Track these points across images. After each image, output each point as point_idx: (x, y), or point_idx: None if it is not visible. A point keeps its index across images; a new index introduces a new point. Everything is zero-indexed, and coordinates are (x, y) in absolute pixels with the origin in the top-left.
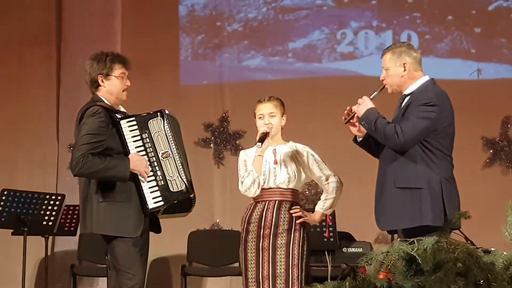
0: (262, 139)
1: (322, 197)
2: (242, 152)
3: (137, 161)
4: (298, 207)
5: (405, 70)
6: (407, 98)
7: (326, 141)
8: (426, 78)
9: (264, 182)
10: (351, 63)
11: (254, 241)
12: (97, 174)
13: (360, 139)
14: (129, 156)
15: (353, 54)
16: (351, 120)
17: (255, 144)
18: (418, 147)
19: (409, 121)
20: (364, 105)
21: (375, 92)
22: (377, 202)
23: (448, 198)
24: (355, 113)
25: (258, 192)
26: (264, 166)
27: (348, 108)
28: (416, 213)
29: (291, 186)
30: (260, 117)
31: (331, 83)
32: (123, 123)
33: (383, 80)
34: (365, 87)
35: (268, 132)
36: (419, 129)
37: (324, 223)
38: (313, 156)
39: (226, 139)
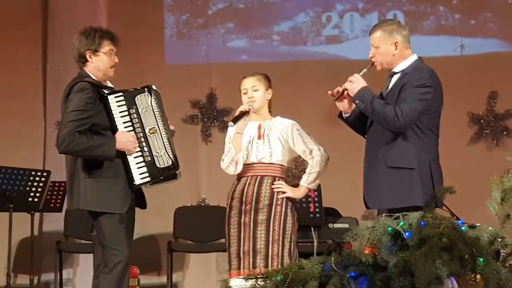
0: (237, 118)
1: (306, 170)
2: (229, 129)
3: (124, 139)
4: (281, 182)
5: (396, 48)
6: (397, 76)
7: (311, 123)
8: (415, 56)
9: (246, 158)
10: (336, 46)
11: (236, 217)
12: (83, 153)
13: (346, 115)
14: (116, 134)
15: (338, 38)
16: (340, 97)
17: (228, 123)
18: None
19: (407, 103)
20: (356, 83)
21: (365, 70)
22: (366, 181)
23: (436, 179)
24: (346, 90)
25: (238, 170)
26: (248, 142)
27: (336, 88)
28: (407, 194)
29: (273, 160)
30: (244, 92)
31: (316, 67)
32: (111, 98)
33: (372, 57)
34: (350, 71)
35: (248, 111)
36: (417, 111)
37: (309, 199)
38: (297, 130)
39: (214, 116)
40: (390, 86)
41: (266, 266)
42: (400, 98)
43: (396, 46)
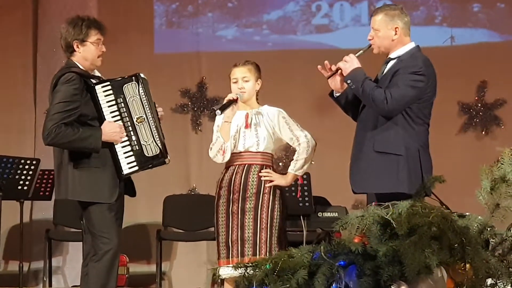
0: (224, 107)
1: (294, 158)
2: (217, 117)
3: (110, 130)
4: (268, 170)
5: (396, 34)
6: (392, 62)
7: (301, 112)
8: (412, 44)
9: (234, 147)
10: (326, 35)
11: (224, 206)
12: (69, 145)
13: (337, 94)
14: (102, 126)
15: (328, 27)
16: (333, 76)
17: (215, 111)
18: (400, 113)
19: (398, 88)
20: (350, 63)
21: (361, 51)
22: (353, 164)
23: (425, 167)
24: (340, 69)
25: (226, 158)
26: (235, 131)
27: (333, 65)
28: (393, 179)
29: (260, 149)
30: (235, 81)
31: (306, 56)
32: (98, 88)
33: (370, 39)
34: (340, 60)
35: (236, 99)
36: (407, 97)
37: (298, 184)
38: (283, 118)
39: (204, 105)
40: (384, 71)
41: (255, 254)
42: (392, 82)
43: (396, 31)
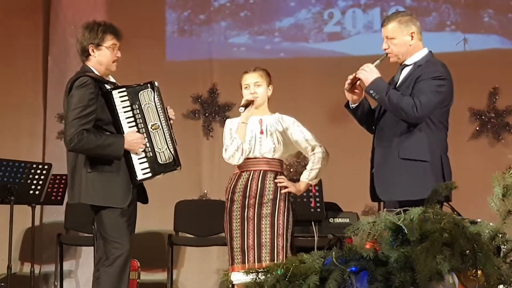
0: (245, 105)
1: (308, 167)
2: (228, 121)
3: (132, 140)
4: (283, 176)
5: (413, 39)
6: (408, 68)
7: (313, 120)
8: (426, 50)
9: (249, 152)
10: (339, 43)
11: (239, 211)
12: (92, 151)
13: (354, 105)
14: (125, 135)
15: (340, 34)
16: (353, 87)
17: (239, 109)
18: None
19: (425, 94)
20: (370, 73)
21: (378, 61)
22: (377, 171)
23: (447, 173)
24: (359, 79)
25: (242, 159)
26: (250, 136)
27: (351, 76)
28: (421, 186)
29: (276, 156)
30: (246, 87)
31: (318, 64)
32: (115, 94)
33: (385, 49)
34: (352, 67)
35: (253, 101)
36: (434, 103)
37: (310, 194)
38: (298, 126)
39: (215, 111)
40: (401, 78)
41: (272, 260)
42: (417, 89)
43: (412, 36)
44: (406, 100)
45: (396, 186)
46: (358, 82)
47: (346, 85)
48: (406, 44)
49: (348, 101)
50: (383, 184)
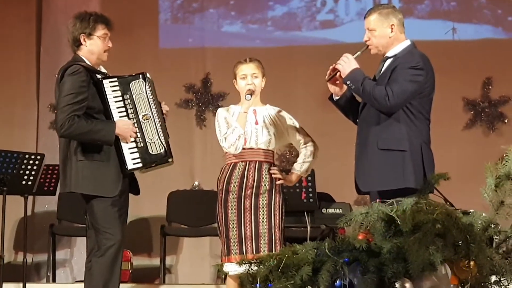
0: (250, 94)
1: (299, 159)
2: (220, 109)
3: (123, 126)
4: (276, 168)
5: (392, 31)
6: (389, 60)
7: (306, 108)
8: (408, 42)
9: (245, 142)
10: (331, 31)
11: (235, 201)
12: (83, 136)
13: (337, 98)
14: (116, 121)
15: (333, 22)
16: (332, 78)
17: (245, 97)
18: (402, 110)
19: (398, 84)
20: (348, 64)
21: (358, 52)
22: (357, 163)
23: (427, 163)
24: (338, 71)
25: (241, 149)
26: (246, 126)
27: (331, 66)
28: (399, 176)
29: (270, 147)
30: (243, 77)
31: (311, 52)
32: (106, 83)
33: (366, 41)
34: None
35: (254, 90)
36: (408, 92)
37: (302, 184)
38: (291, 119)
39: (208, 100)
40: (382, 70)
41: (270, 250)
42: (391, 79)
43: (392, 28)
44: (378, 89)
45: (375, 177)
46: (338, 73)
47: (326, 77)
48: (386, 36)
49: (331, 93)
50: (363, 176)
